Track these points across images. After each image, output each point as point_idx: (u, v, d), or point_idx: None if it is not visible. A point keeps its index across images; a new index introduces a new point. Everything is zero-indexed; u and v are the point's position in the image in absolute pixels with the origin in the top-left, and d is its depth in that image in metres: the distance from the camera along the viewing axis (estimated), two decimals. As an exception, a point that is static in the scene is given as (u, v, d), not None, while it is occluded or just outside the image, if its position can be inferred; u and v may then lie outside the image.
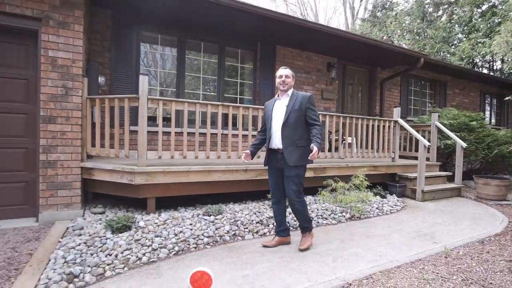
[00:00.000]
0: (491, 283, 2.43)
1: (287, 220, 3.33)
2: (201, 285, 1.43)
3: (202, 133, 4.63)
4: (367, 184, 4.56)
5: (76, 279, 2.37)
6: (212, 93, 6.05)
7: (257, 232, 3.50)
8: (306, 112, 2.94)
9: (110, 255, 2.73)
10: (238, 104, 4.79)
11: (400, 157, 6.61)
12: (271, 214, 3.86)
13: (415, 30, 17.32)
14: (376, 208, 4.61)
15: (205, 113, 4.21)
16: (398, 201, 5.09)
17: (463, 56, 13.54)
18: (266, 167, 3.18)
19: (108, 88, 4.85)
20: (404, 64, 7.52)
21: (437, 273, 2.58)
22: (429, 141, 6.42)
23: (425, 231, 3.74)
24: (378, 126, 5.64)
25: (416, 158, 5.44)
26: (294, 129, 2.91)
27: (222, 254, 2.89)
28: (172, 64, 5.68)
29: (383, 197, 5.15)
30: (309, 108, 2.95)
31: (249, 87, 6.35)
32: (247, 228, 3.53)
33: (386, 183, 5.76)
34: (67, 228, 3.35)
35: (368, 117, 5.64)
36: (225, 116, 5.15)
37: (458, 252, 3.09)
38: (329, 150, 5.32)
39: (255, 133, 4.66)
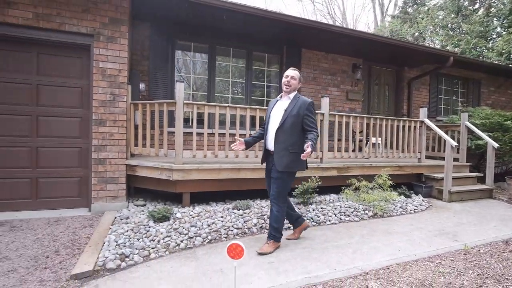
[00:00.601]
0: (507, 279, 2.52)
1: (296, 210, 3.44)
2: (236, 254, 1.77)
3: (231, 134, 4.98)
4: (391, 184, 4.67)
5: (127, 259, 2.79)
6: (240, 96, 6.40)
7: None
8: (303, 118, 2.90)
9: (153, 240, 3.14)
10: (264, 107, 5.08)
11: (428, 157, 6.57)
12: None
13: (449, 25, 16.63)
14: (400, 207, 4.70)
15: (234, 115, 4.54)
16: (423, 201, 5.12)
17: (502, 51, 12.84)
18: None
19: (147, 93, 5.35)
20: (432, 63, 7.41)
21: (454, 267, 2.71)
22: (458, 141, 6.33)
23: (448, 230, 3.81)
24: (404, 126, 5.68)
25: (444, 158, 5.41)
26: (289, 135, 2.88)
27: (250, 243, 3.20)
28: (203, 69, 6.10)
29: (408, 196, 5.21)
30: (307, 115, 2.91)
31: (276, 89, 6.63)
32: (272, 222, 3.81)
33: (412, 183, 5.77)
34: (115, 218, 3.84)
35: (393, 117, 5.70)
36: (252, 118, 5.47)
37: (479, 250, 3.17)
38: (353, 150, 5.45)
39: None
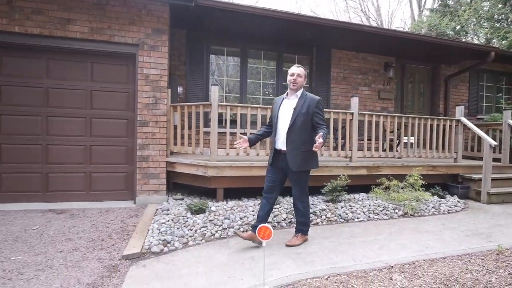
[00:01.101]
0: (541, 279, 2.48)
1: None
2: (265, 236, 2.01)
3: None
4: (423, 184, 4.60)
5: (168, 244, 3.12)
6: (271, 96, 6.61)
7: (310, 221, 3.92)
8: (313, 116, 2.92)
9: (191, 230, 3.46)
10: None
11: (467, 157, 6.33)
12: (324, 207, 4.25)
13: (495, 16, 15.52)
14: (432, 207, 4.62)
15: (265, 116, 4.76)
16: (458, 202, 4.98)
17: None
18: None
19: (184, 96, 5.76)
20: (472, 58, 7.10)
21: (483, 266, 2.70)
22: (500, 141, 6.03)
23: (482, 231, 3.73)
24: (438, 125, 5.54)
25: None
26: (300, 133, 2.90)
27: (279, 236, 3.40)
28: (235, 71, 6.41)
29: (442, 197, 5.09)
30: (316, 113, 2.92)
31: (306, 89, 6.75)
32: (301, 217, 3.98)
33: (447, 184, 5.61)
34: (157, 209, 4.23)
35: (426, 116, 5.57)
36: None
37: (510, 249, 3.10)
38: (383, 149, 5.43)
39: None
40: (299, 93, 3.01)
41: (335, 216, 4.07)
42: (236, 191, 4.78)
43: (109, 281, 2.40)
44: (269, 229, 2.08)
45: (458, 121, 5.63)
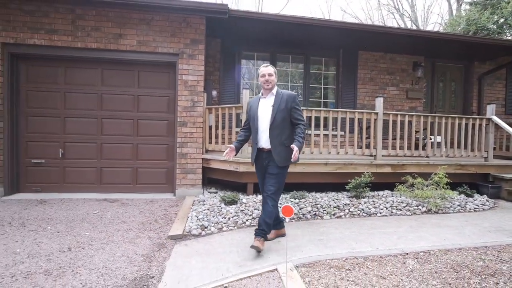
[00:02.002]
0: (555, 270, 2.59)
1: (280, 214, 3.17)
2: (287, 213, 2.38)
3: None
4: (451, 182, 4.67)
5: (205, 229, 3.59)
6: (299, 98, 6.92)
7: (334, 215, 4.21)
8: (291, 112, 2.94)
9: (225, 218, 3.90)
10: (320, 108, 5.54)
11: (501, 157, 6.19)
12: (347, 202, 4.50)
13: (543, 8, 14.48)
14: (458, 205, 4.68)
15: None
16: (487, 201, 4.97)
17: None
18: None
19: (218, 98, 6.27)
20: (509, 55, 6.88)
21: (498, 256, 2.84)
22: (537, 140, 5.85)
23: (507, 228, 3.78)
24: (467, 124, 5.53)
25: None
26: (282, 129, 2.93)
27: (304, 226, 3.74)
28: (265, 75, 6.80)
29: (469, 195, 5.10)
30: (294, 108, 2.95)
31: (332, 91, 6.99)
32: (325, 210, 4.28)
33: (477, 183, 5.57)
34: (194, 201, 4.74)
35: (454, 115, 5.57)
36: (309, 119, 5.97)
37: (535, 246, 3.17)
38: (409, 148, 5.51)
39: (335, 132, 5.34)
40: (274, 91, 3.03)
41: (358, 210, 4.31)
42: (265, 186, 5.15)
43: (159, 254, 2.89)
44: (290, 208, 2.45)
45: (489, 120, 5.57)
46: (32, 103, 5.09)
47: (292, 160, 2.75)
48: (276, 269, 2.57)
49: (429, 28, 20.83)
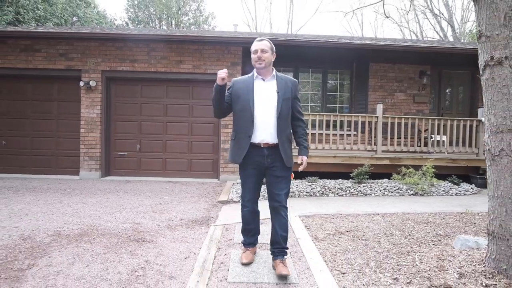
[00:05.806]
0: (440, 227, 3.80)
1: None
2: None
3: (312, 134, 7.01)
4: (440, 173, 5.81)
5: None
6: (318, 105, 8.33)
7: (337, 194, 5.60)
8: (293, 102, 2.47)
9: (256, 193, 5.49)
10: (335, 113, 6.92)
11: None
12: (349, 185, 5.85)
13: None
14: (443, 190, 5.81)
15: (314, 120, 6.54)
16: (472, 188, 6.01)
17: None
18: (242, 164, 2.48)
19: (251, 106, 7.89)
20: None
21: (443, 218, 4.08)
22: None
23: (470, 204, 4.90)
24: (458, 125, 6.57)
25: None
26: (286, 121, 2.44)
27: (312, 200, 5.19)
28: (290, 85, 8.30)
29: (456, 184, 6.17)
30: (296, 98, 2.51)
31: (347, 98, 8.29)
32: (331, 191, 5.68)
33: (470, 175, 6.58)
34: (233, 183, 6.38)
35: (446, 117, 6.64)
36: (327, 122, 7.37)
37: (478, 214, 4.32)
38: (405, 144, 6.66)
39: (349, 132, 6.69)
40: (274, 72, 2.46)
41: (357, 191, 5.66)
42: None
43: (213, 209, 4.55)
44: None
45: (479, 121, 6.56)
46: (119, 111, 7.10)
47: (299, 169, 2.46)
48: (286, 218, 4.09)
49: (468, 25, 20.72)
